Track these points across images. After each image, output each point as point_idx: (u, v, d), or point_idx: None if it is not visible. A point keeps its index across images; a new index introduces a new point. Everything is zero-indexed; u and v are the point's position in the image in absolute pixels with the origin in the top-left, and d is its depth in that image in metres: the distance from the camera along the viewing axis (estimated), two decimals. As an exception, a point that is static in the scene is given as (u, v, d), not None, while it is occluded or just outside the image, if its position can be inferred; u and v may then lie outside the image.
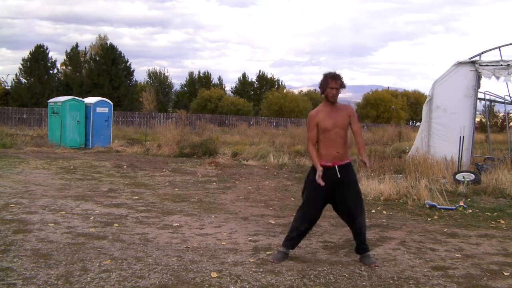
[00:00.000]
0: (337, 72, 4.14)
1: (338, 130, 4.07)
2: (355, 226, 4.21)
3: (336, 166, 4.04)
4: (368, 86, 72.50)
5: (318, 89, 4.21)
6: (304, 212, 4.20)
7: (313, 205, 4.15)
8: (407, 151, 13.28)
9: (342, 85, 4.10)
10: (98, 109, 16.26)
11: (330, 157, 4.05)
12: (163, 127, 18.22)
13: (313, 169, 4.11)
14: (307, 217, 4.19)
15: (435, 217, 6.29)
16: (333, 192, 4.08)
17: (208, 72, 51.17)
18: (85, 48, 40.40)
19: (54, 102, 16.33)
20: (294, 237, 4.25)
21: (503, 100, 12.57)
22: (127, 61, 38.19)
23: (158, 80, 49.86)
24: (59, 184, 8.16)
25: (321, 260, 4.25)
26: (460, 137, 10.27)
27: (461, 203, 6.83)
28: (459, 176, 8.61)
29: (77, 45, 38.55)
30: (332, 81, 4.06)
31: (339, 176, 4.04)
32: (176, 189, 8.14)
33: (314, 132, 4.09)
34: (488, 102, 14.08)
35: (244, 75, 50.99)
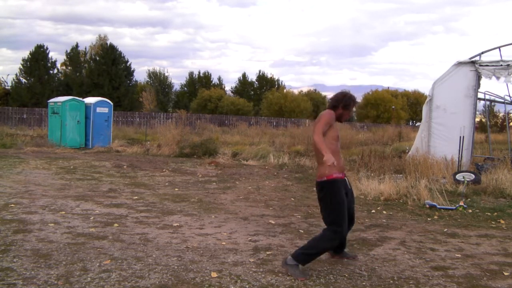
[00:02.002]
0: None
1: (339, 144, 4.03)
2: (350, 228, 4.18)
3: (346, 179, 4.04)
4: (368, 86, 72.59)
5: (328, 99, 4.14)
6: (341, 223, 3.81)
7: (345, 213, 3.85)
8: (407, 151, 13.28)
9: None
10: (98, 109, 16.26)
11: (341, 169, 3.92)
12: (163, 127, 18.23)
13: (330, 183, 3.82)
14: (345, 226, 3.86)
15: (435, 217, 6.29)
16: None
17: (208, 72, 51.29)
18: (85, 48, 40.50)
19: (54, 102, 16.33)
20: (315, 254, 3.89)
21: (503, 100, 12.58)
22: (127, 61, 38.25)
23: (158, 80, 49.90)
24: (59, 184, 8.16)
25: (321, 260, 4.24)
26: (460, 137, 10.28)
27: (461, 203, 6.83)
28: (459, 176, 8.61)
29: (77, 45, 38.64)
30: (354, 105, 3.99)
31: (350, 187, 4.08)
32: (176, 189, 8.14)
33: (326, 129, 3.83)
34: (488, 102, 14.09)
35: (244, 75, 51.06)
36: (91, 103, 16.19)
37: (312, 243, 3.90)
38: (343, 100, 3.94)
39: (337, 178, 3.84)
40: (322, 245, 3.86)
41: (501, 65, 10.71)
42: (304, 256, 3.82)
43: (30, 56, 35.82)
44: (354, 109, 3.99)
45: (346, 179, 4.04)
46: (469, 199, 7.41)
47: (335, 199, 3.81)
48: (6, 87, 37.72)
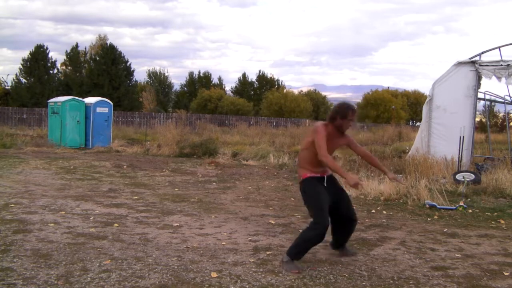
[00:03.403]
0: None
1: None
2: (349, 227, 4.29)
3: (328, 177, 4.12)
4: (368, 86, 72.65)
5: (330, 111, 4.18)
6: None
7: (322, 206, 4.01)
8: (407, 151, 13.28)
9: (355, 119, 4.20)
10: (98, 109, 16.25)
11: (319, 170, 4.08)
12: (163, 127, 18.22)
13: (304, 181, 4.06)
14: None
15: (435, 217, 6.29)
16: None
17: (208, 72, 51.29)
18: (85, 48, 40.52)
19: (54, 102, 16.33)
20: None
21: (503, 100, 12.57)
22: (127, 61, 38.25)
23: (158, 80, 49.90)
24: (59, 184, 8.16)
25: (321, 260, 4.25)
26: (460, 137, 10.27)
27: (461, 203, 6.83)
28: (459, 176, 8.60)
29: (77, 45, 38.70)
30: (352, 114, 4.04)
31: (338, 185, 4.22)
32: (176, 189, 8.14)
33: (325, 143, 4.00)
34: (488, 102, 14.09)
35: (244, 75, 51.05)
36: (91, 103, 16.18)
37: (299, 236, 4.04)
38: (339, 111, 4.06)
39: (311, 176, 4.04)
40: (306, 235, 3.95)
41: (501, 65, 10.71)
42: (294, 249, 3.95)
43: (30, 56, 35.83)
44: (352, 116, 4.07)
45: (328, 178, 4.09)
46: (469, 199, 7.41)
47: (309, 194, 4.02)
48: (6, 87, 37.71)
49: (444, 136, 10.98)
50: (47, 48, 36.51)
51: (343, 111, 4.02)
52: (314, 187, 4.01)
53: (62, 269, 3.77)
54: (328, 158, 3.88)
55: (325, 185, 4.05)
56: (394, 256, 4.46)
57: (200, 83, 49.29)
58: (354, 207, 4.32)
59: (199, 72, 51.37)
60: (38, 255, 4.09)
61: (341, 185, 4.28)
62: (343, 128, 4.06)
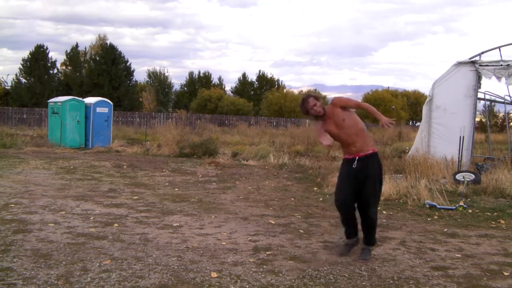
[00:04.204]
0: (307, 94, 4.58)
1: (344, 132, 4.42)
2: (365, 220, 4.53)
3: (358, 159, 4.29)
4: (368, 86, 72.65)
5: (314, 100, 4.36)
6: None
7: (340, 187, 4.42)
8: (407, 151, 13.28)
9: (317, 98, 4.40)
10: (98, 109, 16.25)
11: (350, 152, 4.36)
12: (163, 127, 18.21)
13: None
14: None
15: (435, 217, 6.29)
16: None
17: (208, 72, 51.23)
18: (85, 48, 40.47)
19: (54, 102, 16.33)
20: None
21: (503, 100, 12.56)
22: (127, 61, 38.22)
23: (158, 80, 49.87)
24: (59, 184, 8.16)
25: (321, 260, 4.25)
26: (460, 137, 10.27)
27: (461, 203, 6.83)
28: (459, 176, 8.60)
29: (77, 45, 38.62)
30: (307, 103, 4.30)
31: (367, 170, 4.32)
32: (176, 189, 8.14)
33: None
34: (488, 102, 14.08)
35: (244, 75, 51.01)
36: (91, 103, 16.18)
37: None
38: (302, 110, 4.41)
39: (344, 158, 4.41)
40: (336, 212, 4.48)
41: (501, 65, 10.70)
42: (340, 229, 4.57)
43: (30, 56, 35.79)
44: (312, 102, 4.32)
45: (359, 160, 4.25)
46: (469, 199, 7.41)
47: (338, 174, 4.47)
48: (6, 87, 37.70)
49: (444, 136, 10.97)
50: (47, 48, 36.50)
51: (303, 109, 4.36)
52: (342, 171, 4.42)
53: (62, 269, 3.77)
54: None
55: (362, 168, 4.26)
56: (394, 256, 4.46)
57: (200, 83, 49.26)
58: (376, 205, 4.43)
59: (199, 72, 51.37)
60: (38, 255, 4.09)
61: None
62: (318, 114, 4.32)
